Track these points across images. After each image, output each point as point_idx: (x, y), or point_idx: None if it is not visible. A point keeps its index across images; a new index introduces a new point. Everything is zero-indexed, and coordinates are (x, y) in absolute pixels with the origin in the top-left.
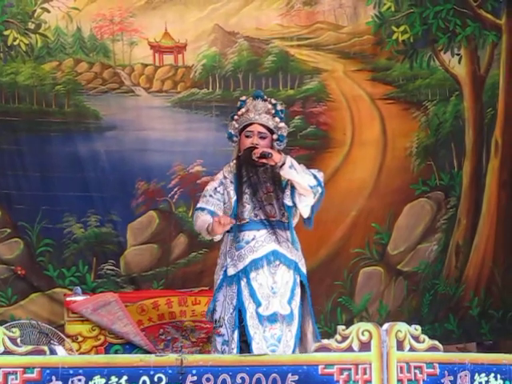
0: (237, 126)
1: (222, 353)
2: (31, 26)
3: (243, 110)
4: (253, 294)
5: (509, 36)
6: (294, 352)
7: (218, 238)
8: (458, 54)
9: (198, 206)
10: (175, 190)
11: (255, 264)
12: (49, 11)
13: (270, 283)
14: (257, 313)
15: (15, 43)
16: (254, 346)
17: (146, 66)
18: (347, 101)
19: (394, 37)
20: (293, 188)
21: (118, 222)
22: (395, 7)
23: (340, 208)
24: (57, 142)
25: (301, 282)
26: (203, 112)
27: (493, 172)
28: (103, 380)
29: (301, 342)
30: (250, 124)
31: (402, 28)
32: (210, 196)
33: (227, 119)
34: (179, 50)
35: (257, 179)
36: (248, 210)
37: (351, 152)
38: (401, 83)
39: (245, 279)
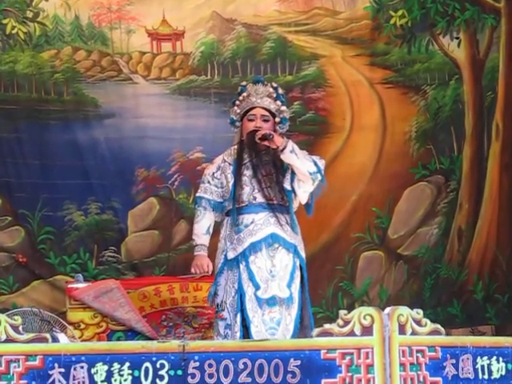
0: (238, 111)
1: (225, 337)
2: (29, 14)
3: (244, 94)
4: (251, 278)
5: (508, 19)
6: (293, 336)
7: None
8: (457, 38)
9: (197, 194)
10: (175, 176)
11: (254, 247)
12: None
13: (269, 266)
14: (256, 296)
15: (14, 32)
16: (253, 330)
17: (144, 53)
18: (346, 86)
19: (392, 21)
20: (293, 173)
21: (119, 209)
22: None
23: (340, 193)
24: (56, 130)
25: (300, 266)
26: (202, 99)
27: (494, 156)
28: (105, 367)
29: (301, 327)
30: (252, 108)
31: (399, 12)
32: (208, 182)
33: (226, 106)
34: (177, 37)
35: (257, 161)
36: (247, 193)
37: (350, 137)
38: (399, 68)
39: (244, 262)
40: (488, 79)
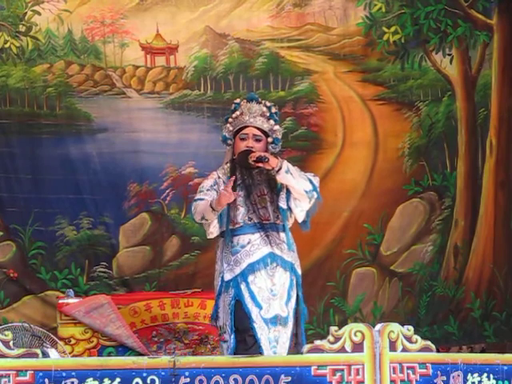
0: (231, 128)
1: None
2: (22, 28)
3: (238, 112)
4: (253, 298)
5: (500, 36)
6: (288, 354)
7: (212, 223)
8: (449, 55)
9: (197, 197)
10: (167, 191)
11: (252, 268)
12: (39, 14)
13: (269, 286)
14: (260, 316)
15: (6, 46)
16: (263, 348)
17: (138, 67)
18: (338, 102)
19: (385, 38)
20: (288, 191)
21: (111, 224)
22: (386, 8)
23: (332, 209)
24: (48, 145)
25: (296, 283)
26: (195, 113)
27: (489, 172)
28: (96, 382)
29: (295, 344)
30: (245, 127)
31: (393, 29)
32: (208, 190)
33: (218, 121)
34: (171, 51)
35: (250, 182)
36: (242, 214)
37: (343, 153)
38: (392, 84)
39: (244, 283)
40: (480, 96)
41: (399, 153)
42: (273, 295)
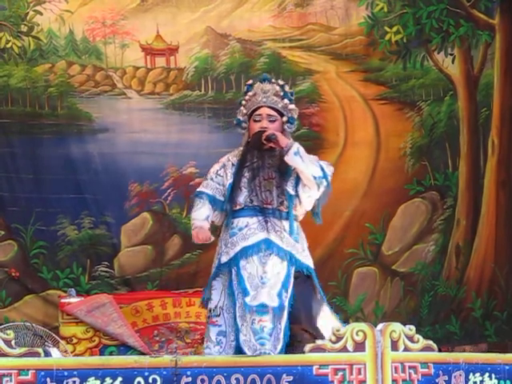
0: (245, 111)
1: (218, 343)
2: (24, 28)
3: (250, 93)
4: (241, 283)
5: (502, 35)
6: (283, 347)
7: (213, 213)
8: (451, 54)
9: (198, 189)
10: (168, 191)
11: (245, 252)
12: (41, 14)
13: (260, 273)
14: (244, 303)
15: (8, 46)
16: (241, 338)
17: (138, 68)
18: (340, 102)
19: (387, 37)
20: (298, 177)
21: (112, 224)
22: (388, 8)
23: (334, 209)
24: (49, 144)
25: (307, 274)
26: (196, 114)
27: (491, 172)
28: (98, 382)
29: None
30: (259, 108)
31: (394, 28)
32: (211, 179)
33: (220, 121)
34: (171, 52)
35: (259, 164)
36: (244, 195)
37: (344, 153)
38: (394, 84)
39: (235, 268)
40: (482, 95)
41: (401, 152)
42: (262, 283)
